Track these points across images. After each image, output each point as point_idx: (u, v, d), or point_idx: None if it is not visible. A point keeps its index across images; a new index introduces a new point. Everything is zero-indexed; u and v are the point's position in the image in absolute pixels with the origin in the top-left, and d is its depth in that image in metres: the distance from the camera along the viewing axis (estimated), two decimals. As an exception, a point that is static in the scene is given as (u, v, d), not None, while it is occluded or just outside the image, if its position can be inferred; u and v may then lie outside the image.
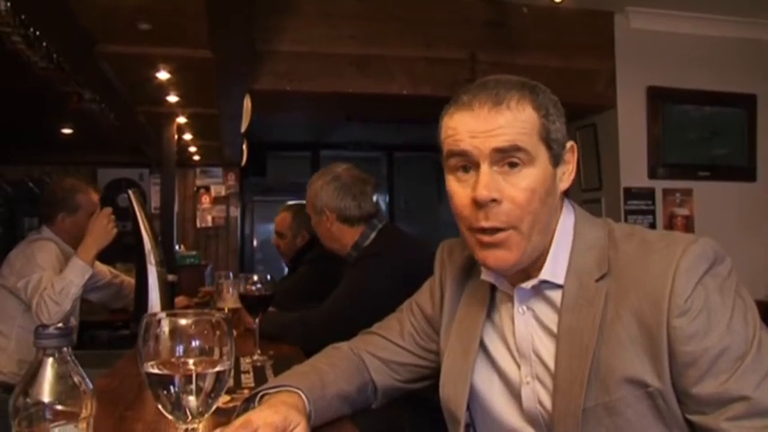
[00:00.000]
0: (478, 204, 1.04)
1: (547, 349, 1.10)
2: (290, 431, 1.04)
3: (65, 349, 0.77)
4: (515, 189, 1.03)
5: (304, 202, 2.46)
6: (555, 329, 1.08)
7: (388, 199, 8.38)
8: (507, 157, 1.03)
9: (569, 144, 1.11)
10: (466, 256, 1.28)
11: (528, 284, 1.11)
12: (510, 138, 1.02)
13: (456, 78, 3.92)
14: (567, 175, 1.12)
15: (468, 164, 1.06)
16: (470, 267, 1.28)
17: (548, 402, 1.08)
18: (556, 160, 1.08)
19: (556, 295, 1.10)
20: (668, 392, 0.98)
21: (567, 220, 1.14)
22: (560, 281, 1.09)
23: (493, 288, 1.21)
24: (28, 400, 0.75)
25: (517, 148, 1.02)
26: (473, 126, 1.04)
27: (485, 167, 1.03)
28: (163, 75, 3.08)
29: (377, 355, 1.36)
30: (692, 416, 0.98)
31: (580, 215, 1.16)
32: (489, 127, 1.03)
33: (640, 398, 0.99)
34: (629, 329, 1.01)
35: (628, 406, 0.99)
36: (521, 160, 1.03)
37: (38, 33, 2.47)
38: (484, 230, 1.05)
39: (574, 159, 1.13)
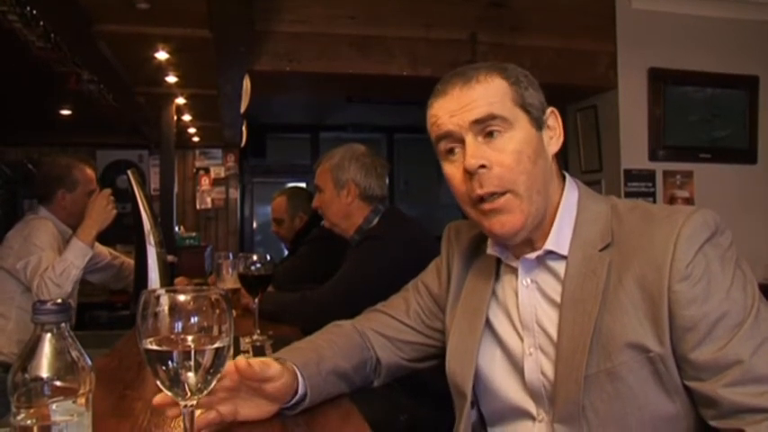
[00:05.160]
0: (470, 174, 1.08)
1: (550, 319, 1.12)
2: (275, 383, 1.07)
3: (63, 325, 0.77)
4: (502, 154, 1.08)
5: (301, 185, 2.46)
6: (558, 299, 1.10)
7: (388, 180, 8.37)
8: (486, 127, 1.09)
9: (549, 110, 1.16)
10: (472, 236, 1.32)
11: (533, 255, 1.14)
12: (484, 108, 1.08)
13: (456, 59, 3.89)
14: (554, 139, 1.16)
15: (455, 143, 1.11)
16: (477, 247, 1.30)
17: (550, 372, 1.10)
18: (537, 123, 1.13)
19: (559, 266, 1.12)
20: (669, 358, 1.00)
21: (571, 196, 1.17)
22: (564, 251, 1.12)
23: (498, 264, 1.23)
24: (26, 375, 0.75)
25: (492, 116, 1.08)
26: (450, 106, 1.11)
27: (469, 139, 1.09)
28: (162, 55, 3.05)
29: (382, 332, 1.37)
30: (690, 382, 1.00)
31: (584, 191, 1.19)
32: (463, 103, 1.09)
33: (642, 363, 1.01)
34: (631, 296, 1.03)
35: (629, 372, 1.01)
36: (499, 126, 1.09)
37: (35, 12, 2.45)
38: (482, 199, 1.09)
39: (558, 124, 1.17)
